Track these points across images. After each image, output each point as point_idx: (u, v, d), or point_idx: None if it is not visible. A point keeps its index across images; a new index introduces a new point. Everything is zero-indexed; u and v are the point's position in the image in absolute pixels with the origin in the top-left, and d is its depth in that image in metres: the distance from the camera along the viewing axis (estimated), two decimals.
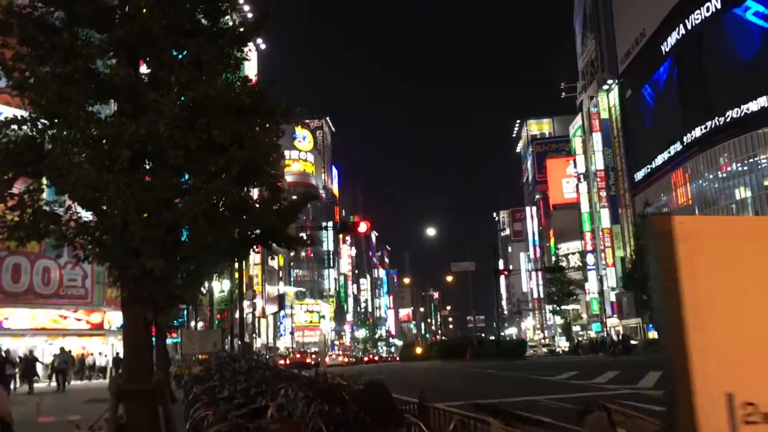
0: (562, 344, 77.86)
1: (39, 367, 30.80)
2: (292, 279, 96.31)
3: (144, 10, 7.47)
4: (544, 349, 68.26)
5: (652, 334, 54.94)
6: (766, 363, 2.26)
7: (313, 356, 58.91)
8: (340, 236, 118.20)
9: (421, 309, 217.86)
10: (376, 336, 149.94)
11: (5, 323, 35.52)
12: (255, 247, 9.14)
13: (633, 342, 54.00)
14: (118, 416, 7.91)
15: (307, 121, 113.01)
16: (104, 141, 7.48)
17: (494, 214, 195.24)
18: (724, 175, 59.22)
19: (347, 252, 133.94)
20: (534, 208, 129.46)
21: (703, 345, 2.20)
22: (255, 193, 9.39)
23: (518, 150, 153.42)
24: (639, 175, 74.60)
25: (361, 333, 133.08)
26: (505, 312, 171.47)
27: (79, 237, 7.76)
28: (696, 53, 61.95)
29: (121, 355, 38.00)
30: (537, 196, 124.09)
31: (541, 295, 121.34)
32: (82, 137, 7.48)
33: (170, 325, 24.26)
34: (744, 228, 2.50)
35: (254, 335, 40.14)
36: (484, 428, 4.84)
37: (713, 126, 59.07)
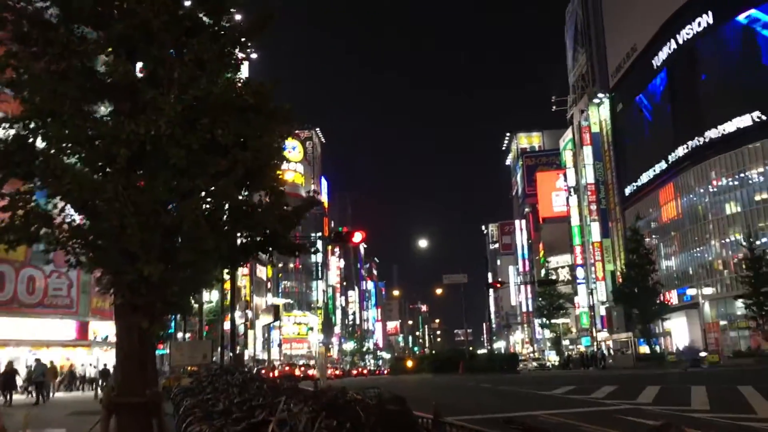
0: (552, 358, 77.52)
1: (18, 380, 30.09)
2: (280, 290, 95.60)
3: (143, 4, 7.15)
4: (534, 363, 67.89)
5: (643, 349, 54.76)
6: None
7: (302, 368, 58.22)
8: (329, 248, 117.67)
9: (410, 322, 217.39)
10: (364, 349, 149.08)
11: None
12: (254, 253, 8.78)
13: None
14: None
15: (297, 131, 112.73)
16: (100, 141, 7.12)
17: (483, 227, 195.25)
18: (715, 189, 59.41)
19: (336, 264, 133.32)
20: (523, 222, 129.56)
21: None
22: (255, 198, 9.04)
23: (508, 163, 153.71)
24: (629, 189, 74.83)
25: (349, 345, 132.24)
26: (494, 326, 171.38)
27: (72, 241, 7.38)
28: (687, 67, 62.33)
29: (109, 367, 37.32)
30: (526, 209, 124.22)
31: (530, 309, 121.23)
32: (78, 136, 7.10)
33: (161, 335, 23.70)
34: None
35: (245, 347, 39.60)
36: None
37: (703, 141, 59.38)
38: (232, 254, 8.23)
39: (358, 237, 19.73)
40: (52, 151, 7.25)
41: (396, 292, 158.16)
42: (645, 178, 70.58)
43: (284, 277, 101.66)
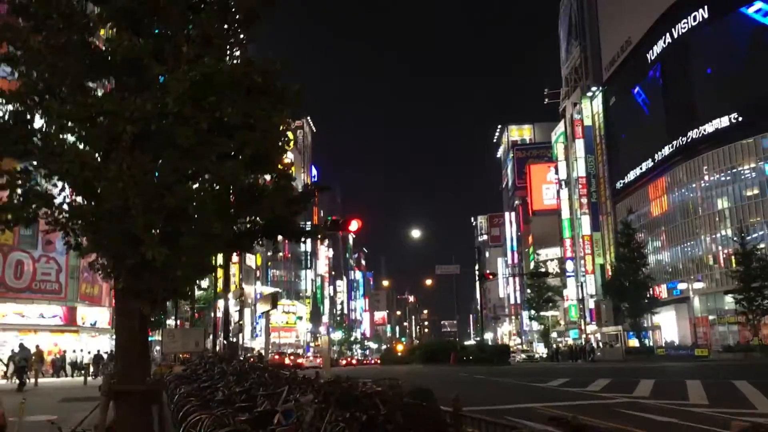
0: (540, 350, 77.75)
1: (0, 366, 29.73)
2: (269, 279, 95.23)
3: None
4: (523, 355, 68.02)
5: (632, 342, 54.89)
6: None
7: (291, 357, 58.04)
8: (318, 237, 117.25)
9: (398, 312, 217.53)
10: (352, 338, 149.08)
11: None
12: (260, 239, 8.48)
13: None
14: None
15: (288, 120, 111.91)
16: (103, 118, 6.78)
17: (472, 219, 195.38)
18: (706, 184, 59.55)
19: (325, 253, 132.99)
20: (513, 214, 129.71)
21: None
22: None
23: (498, 155, 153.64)
24: (621, 183, 74.91)
25: (337, 335, 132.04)
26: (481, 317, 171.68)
27: (72, 222, 7.06)
28: (682, 62, 62.31)
29: (102, 352, 37.01)
30: (516, 202, 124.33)
31: (518, 301, 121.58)
32: (79, 113, 6.76)
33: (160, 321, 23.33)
34: None
35: (240, 334, 39.28)
36: None
37: (696, 135, 59.48)
38: (236, 239, 7.94)
39: (354, 225, 19.41)
40: (52, 129, 6.92)
41: (386, 283, 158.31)
42: (637, 171, 70.69)
43: (273, 266, 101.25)
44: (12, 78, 7.25)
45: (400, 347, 60.80)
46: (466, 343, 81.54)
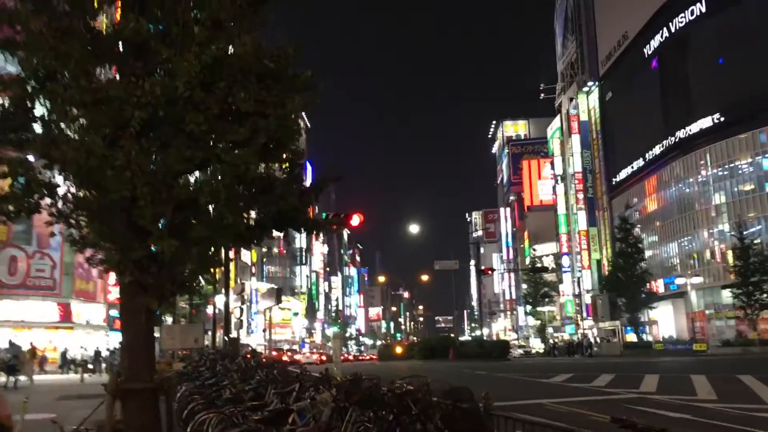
0: (536, 346, 77.62)
1: None
2: (264, 275, 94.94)
3: None
4: (520, 351, 67.83)
5: (630, 337, 54.88)
6: None
7: (288, 353, 57.78)
8: (313, 233, 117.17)
9: (393, 308, 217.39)
10: (347, 334, 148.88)
11: None
12: (270, 231, 8.17)
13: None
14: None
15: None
16: (108, 104, 6.45)
17: (467, 215, 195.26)
18: (704, 179, 59.45)
19: (319, 249, 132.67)
20: (508, 210, 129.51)
21: None
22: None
23: (493, 151, 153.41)
24: (617, 178, 74.79)
25: (332, 331, 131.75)
26: (476, 313, 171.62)
27: (76, 213, 6.74)
28: (680, 56, 62.13)
29: (101, 349, 36.47)
30: (511, 198, 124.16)
31: (513, 297, 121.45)
32: (83, 98, 6.43)
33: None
34: None
35: (240, 330, 38.86)
36: None
37: (694, 130, 59.36)
38: (247, 232, 7.62)
39: (356, 220, 19.02)
40: (54, 116, 6.59)
41: (382, 278, 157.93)
42: (634, 167, 70.51)
43: (268, 262, 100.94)
44: (5, 72, 6.91)
45: (399, 349, 60.48)
46: (461, 338, 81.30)
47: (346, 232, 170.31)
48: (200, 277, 8.04)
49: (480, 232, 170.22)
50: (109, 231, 6.78)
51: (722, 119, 55.90)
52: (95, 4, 6.90)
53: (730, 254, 51.70)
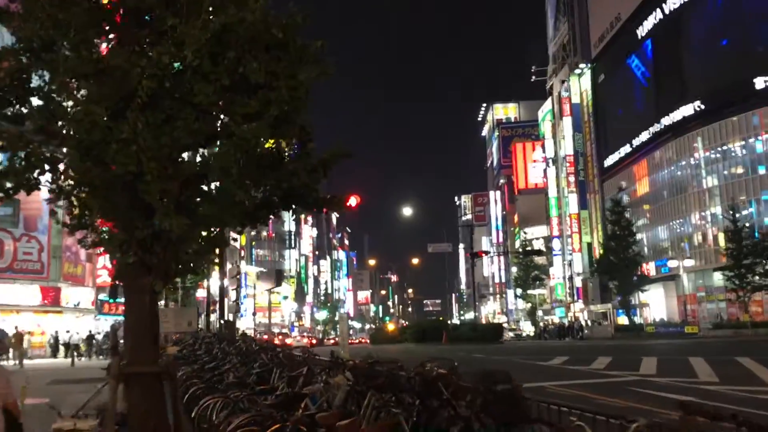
0: (526, 329, 77.86)
1: None
2: (253, 258, 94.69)
3: None
4: (510, 334, 68.00)
5: (621, 320, 55.06)
6: None
7: (280, 337, 57.66)
8: (302, 216, 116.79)
9: (382, 292, 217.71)
10: (336, 318, 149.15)
11: None
12: (278, 209, 7.86)
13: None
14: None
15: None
16: (111, 74, 6.10)
17: (456, 198, 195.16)
18: (696, 162, 59.48)
19: (308, 233, 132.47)
20: (498, 193, 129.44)
21: None
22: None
23: (483, 134, 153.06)
24: (609, 162, 74.71)
25: (322, 315, 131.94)
26: (465, 296, 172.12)
27: (78, 189, 6.42)
28: (673, 38, 61.86)
29: (94, 333, 36.04)
30: (501, 181, 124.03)
31: (503, 280, 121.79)
32: (85, 68, 6.08)
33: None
34: None
35: (238, 314, 38.71)
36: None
37: (686, 112, 59.29)
38: (254, 210, 7.30)
39: (353, 201, 18.63)
40: (53, 87, 6.24)
41: (372, 262, 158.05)
42: (627, 149, 70.37)
43: (257, 246, 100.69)
44: None
45: (391, 326, 60.41)
46: (453, 321, 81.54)
47: (335, 216, 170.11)
48: (205, 258, 7.70)
49: (469, 216, 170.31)
50: (111, 208, 6.47)
51: (703, 107, 55.61)
52: None
53: (721, 237, 51.84)
